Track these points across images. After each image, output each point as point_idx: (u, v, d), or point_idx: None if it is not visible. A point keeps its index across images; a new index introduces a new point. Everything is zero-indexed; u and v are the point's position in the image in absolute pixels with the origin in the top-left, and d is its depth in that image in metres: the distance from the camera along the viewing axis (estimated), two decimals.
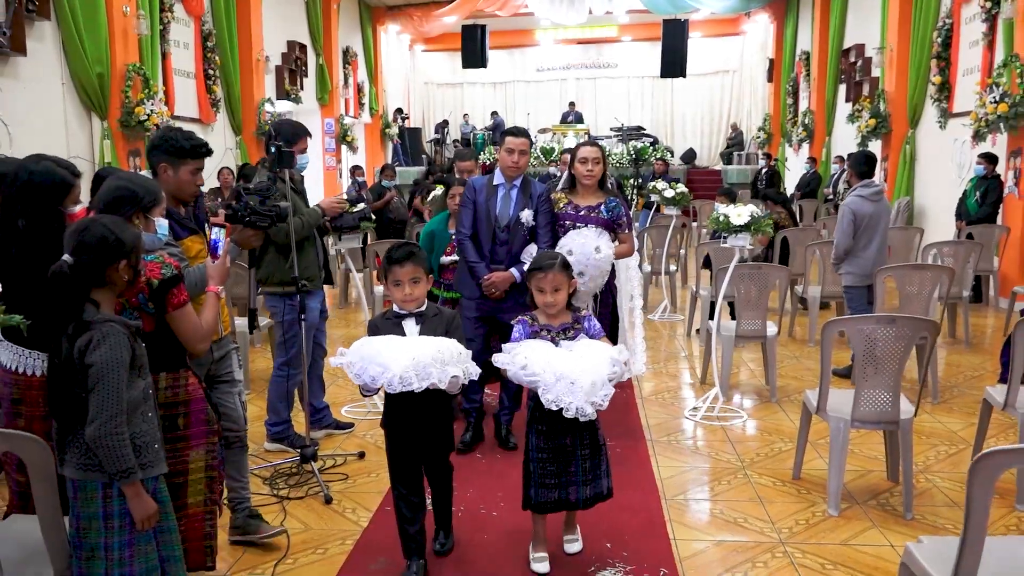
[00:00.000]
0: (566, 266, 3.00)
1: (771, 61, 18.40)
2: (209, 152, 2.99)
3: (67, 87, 7.97)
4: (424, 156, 21.09)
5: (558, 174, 9.42)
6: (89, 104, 8.17)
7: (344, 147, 16.34)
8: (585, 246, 4.11)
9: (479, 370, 2.80)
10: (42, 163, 2.55)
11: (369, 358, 2.64)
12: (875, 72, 12.24)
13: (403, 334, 2.85)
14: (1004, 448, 1.94)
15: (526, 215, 4.20)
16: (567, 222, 4.31)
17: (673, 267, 8.63)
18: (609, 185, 4.86)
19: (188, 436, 2.46)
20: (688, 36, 17.42)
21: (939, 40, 10.15)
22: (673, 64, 17.59)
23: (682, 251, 9.73)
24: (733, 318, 5.47)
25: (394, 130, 20.02)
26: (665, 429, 4.70)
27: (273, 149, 3.84)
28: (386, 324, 2.90)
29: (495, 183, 4.26)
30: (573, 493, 2.90)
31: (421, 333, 2.86)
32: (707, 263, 6.76)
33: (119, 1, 8.30)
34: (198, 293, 2.69)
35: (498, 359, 2.82)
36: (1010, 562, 2.07)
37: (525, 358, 2.76)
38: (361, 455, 4.21)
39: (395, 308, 2.93)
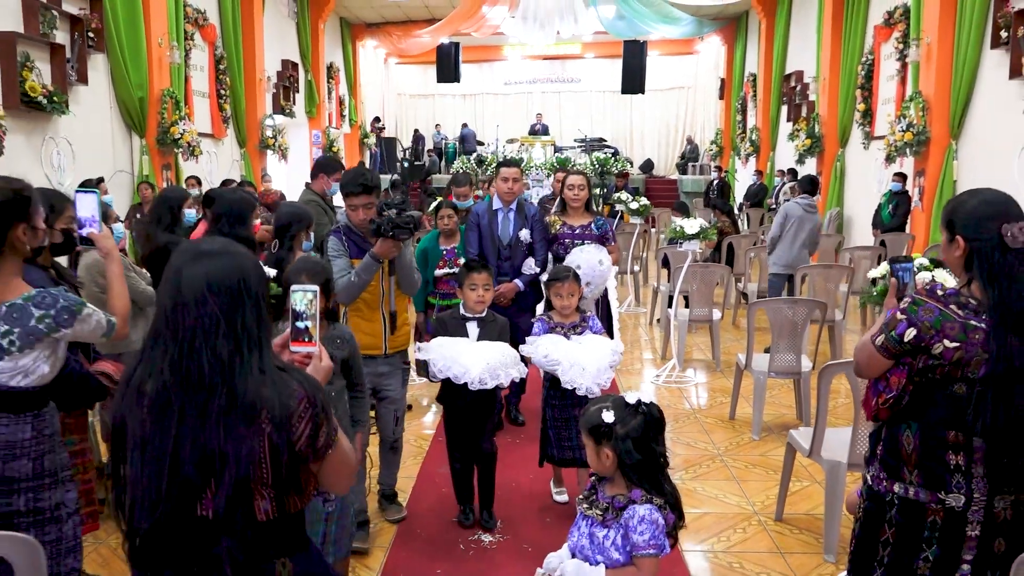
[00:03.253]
0: (577, 278, 3.77)
1: (722, 80, 20.08)
2: (359, 191, 3.48)
3: (114, 110, 9.15)
4: (397, 164, 22.38)
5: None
6: (131, 124, 9.35)
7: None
8: (590, 260, 4.69)
9: (526, 370, 3.59)
10: (237, 192, 3.89)
11: (451, 359, 3.40)
12: (812, 96, 13.89)
13: (466, 333, 3.59)
14: (836, 362, 3.40)
15: (524, 234, 4.95)
16: (566, 240, 4.94)
17: (636, 268, 10.09)
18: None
19: None
20: (647, 55, 18.99)
21: (862, 73, 11.80)
22: (633, 81, 19.11)
23: (643, 254, 11.19)
24: (687, 307, 6.93)
25: (372, 140, 21.27)
26: (634, 390, 6.11)
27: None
28: (453, 322, 3.63)
29: (494, 208, 5.02)
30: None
31: (480, 335, 3.58)
32: (665, 263, 8.22)
33: (155, 34, 9.50)
34: (353, 297, 3.49)
35: (524, 349, 3.57)
36: (842, 438, 3.51)
37: (546, 348, 3.53)
38: (409, 407, 5.55)
39: (461, 310, 3.66)
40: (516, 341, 3.74)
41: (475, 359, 3.37)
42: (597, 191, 15.85)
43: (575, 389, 3.47)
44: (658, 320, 8.52)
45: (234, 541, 1.54)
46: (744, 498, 4.12)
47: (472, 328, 3.61)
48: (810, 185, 7.51)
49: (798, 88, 14.70)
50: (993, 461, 2.08)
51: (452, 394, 3.58)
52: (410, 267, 3.62)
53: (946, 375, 2.09)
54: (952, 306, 2.07)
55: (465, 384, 3.40)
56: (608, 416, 2.07)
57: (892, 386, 2.17)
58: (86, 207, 2.66)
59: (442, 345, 3.46)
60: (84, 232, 2.68)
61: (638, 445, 2.06)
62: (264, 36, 13.58)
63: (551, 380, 3.65)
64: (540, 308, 5.55)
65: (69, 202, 2.86)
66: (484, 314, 3.64)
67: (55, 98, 7.53)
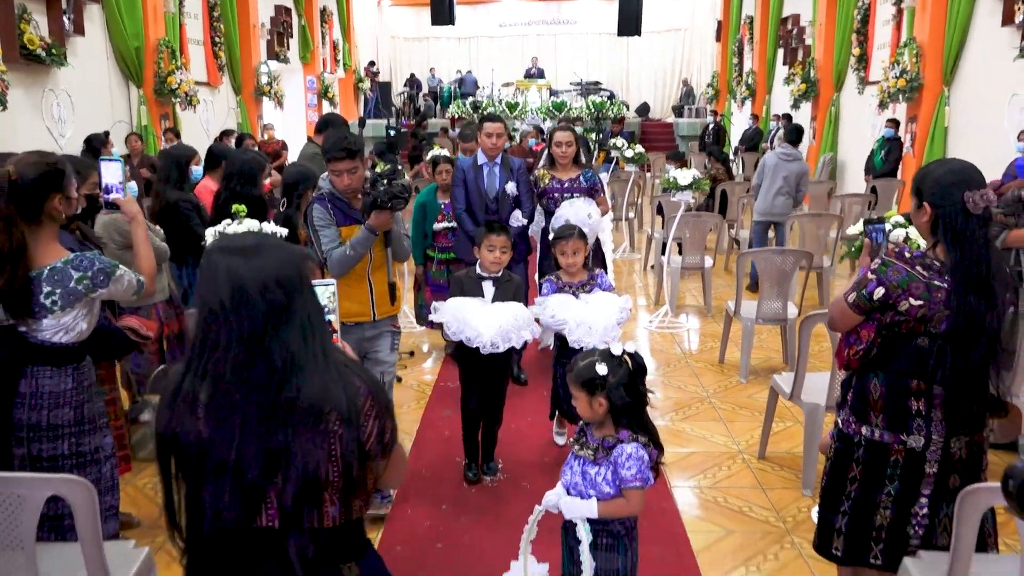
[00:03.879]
0: (582, 235, 3.81)
1: (719, 22, 19.91)
2: (343, 155, 3.25)
3: (111, 61, 9.18)
4: (393, 108, 22.29)
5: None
6: (128, 75, 9.39)
7: (326, 102, 17.50)
8: (579, 214, 4.81)
9: (539, 331, 3.64)
10: (248, 153, 4.03)
11: (464, 321, 3.45)
12: (808, 41, 13.87)
13: (482, 293, 3.61)
14: (817, 312, 3.62)
15: (510, 187, 4.93)
16: (556, 194, 5.03)
17: (631, 214, 10.24)
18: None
19: None
20: None
21: (858, 17, 11.79)
22: (629, 23, 18.96)
23: (639, 200, 11.32)
24: (680, 254, 7.12)
25: (367, 84, 21.16)
26: (627, 336, 6.35)
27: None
28: (469, 282, 3.66)
29: (479, 163, 4.99)
30: None
31: (496, 295, 3.61)
32: (660, 211, 8.39)
33: None
34: (345, 270, 3.32)
35: (533, 310, 3.61)
36: (821, 383, 3.74)
37: (553, 308, 3.63)
38: (411, 354, 5.78)
39: (477, 270, 3.68)
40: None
41: (487, 322, 3.41)
42: (593, 135, 15.87)
43: (583, 348, 3.45)
44: (652, 266, 8.71)
45: (303, 539, 1.50)
46: (730, 438, 4.38)
47: (488, 287, 3.64)
48: (794, 135, 7.72)
49: (794, 32, 14.66)
50: (951, 407, 2.30)
51: (466, 353, 3.61)
52: (401, 235, 3.56)
53: (911, 330, 2.30)
54: (918, 267, 2.27)
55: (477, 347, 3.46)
56: (602, 369, 2.27)
57: (862, 339, 2.38)
58: (112, 174, 2.83)
59: (457, 307, 3.50)
60: (110, 198, 2.85)
61: (628, 390, 2.27)
62: None
63: (561, 339, 3.71)
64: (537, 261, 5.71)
65: (94, 169, 3.02)
66: (500, 274, 3.66)
67: (53, 50, 7.58)
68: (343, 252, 3.31)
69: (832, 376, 3.62)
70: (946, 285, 2.23)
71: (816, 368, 4.79)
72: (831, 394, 3.61)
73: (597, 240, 5.28)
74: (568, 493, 2.34)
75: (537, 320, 3.66)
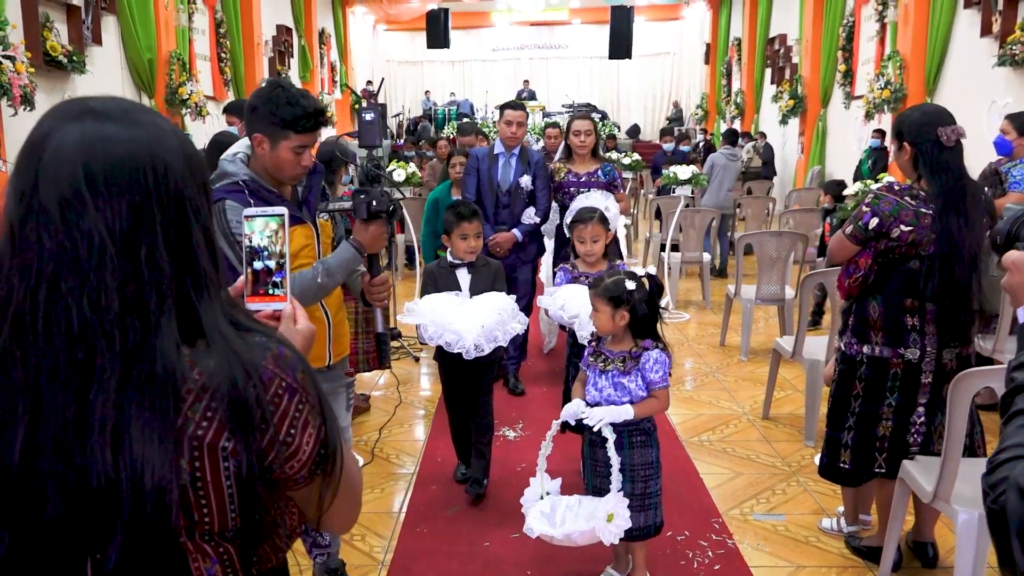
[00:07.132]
0: (604, 219, 3.47)
1: (708, 45, 20.47)
2: (322, 122, 2.29)
3: (125, 71, 9.48)
4: (388, 130, 22.71)
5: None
6: (141, 85, 9.68)
7: None
8: (595, 206, 4.21)
9: (527, 321, 3.25)
10: None
11: (443, 325, 3.01)
12: (795, 59, 14.34)
13: (457, 283, 3.32)
14: (816, 272, 3.91)
15: (525, 181, 4.66)
16: (571, 188, 4.72)
17: (628, 221, 10.56)
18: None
19: None
20: (633, 21, 19.32)
21: (844, 34, 12.25)
22: (620, 47, 19.45)
23: (634, 210, 11.65)
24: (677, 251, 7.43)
25: (364, 105, 21.57)
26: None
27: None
28: (442, 272, 3.38)
29: (496, 152, 4.72)
30: None
31: (472, 282, 3.32)
32: (657, 214, 8.71)
33: None
34: (306, 304, 2.18)
35: (542, 300, 3.41)
36: (820, 343, 4.02)
37: (564, 300, 3.29)
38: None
39: (449, 258, 3.39)
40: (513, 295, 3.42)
41: (468, 324, 3.01)
42: None
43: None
44: (652, 266, 9.01)
45: None
46: (735, 403, 4.65)
47: (463, 276, 3.36)
48: (732, 136, 8.96)
49: (781, 51, 15.14)
50: (941, 320, 2.58)
51: (447, 357, 3.19)
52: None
53: (903, 254, 2.59)
54: (906, 197, 2.57)
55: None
56: (631, 284, 2.56)
57: (860, 267, 2.67)
58: None
59: (433, 308, 3.09)
60: None
61: (648, 303, 2.60)
62: (260, 0, 13.84)
63: (574, 336, 3.39)
64: (547, 260, 5.51)
65: None
66: (475, 259, 3.39)
67: (75, 57, 7.86)
68: (311, 280, 2.28)
69: (831, 335, 3.90)
70: (931, 211, 2.53)
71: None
72: (829, 351, 3.88)
73: (614, 239, 4.87)
74: (597, 404, 2.60)
75: (546, 312, 3.49)
